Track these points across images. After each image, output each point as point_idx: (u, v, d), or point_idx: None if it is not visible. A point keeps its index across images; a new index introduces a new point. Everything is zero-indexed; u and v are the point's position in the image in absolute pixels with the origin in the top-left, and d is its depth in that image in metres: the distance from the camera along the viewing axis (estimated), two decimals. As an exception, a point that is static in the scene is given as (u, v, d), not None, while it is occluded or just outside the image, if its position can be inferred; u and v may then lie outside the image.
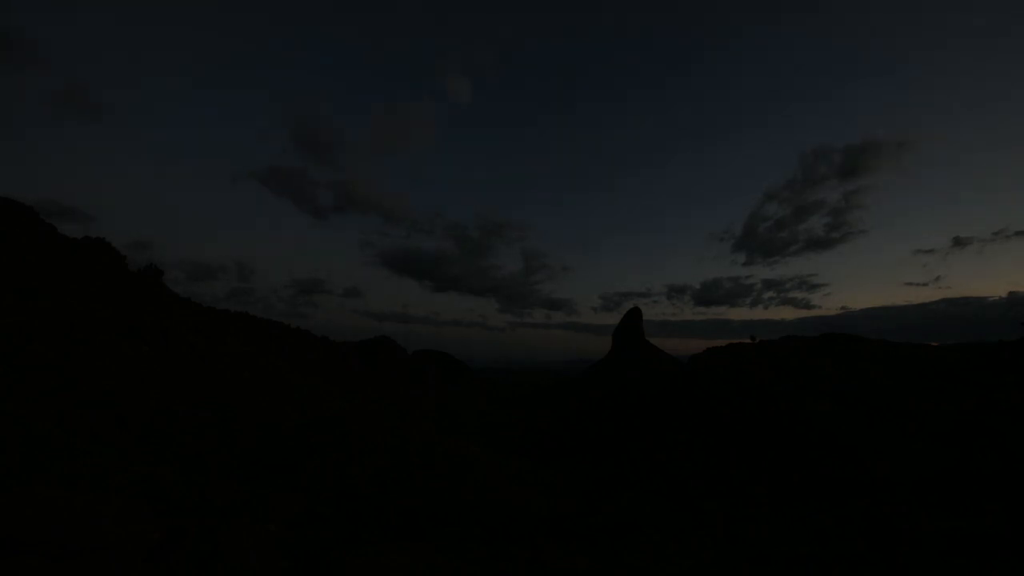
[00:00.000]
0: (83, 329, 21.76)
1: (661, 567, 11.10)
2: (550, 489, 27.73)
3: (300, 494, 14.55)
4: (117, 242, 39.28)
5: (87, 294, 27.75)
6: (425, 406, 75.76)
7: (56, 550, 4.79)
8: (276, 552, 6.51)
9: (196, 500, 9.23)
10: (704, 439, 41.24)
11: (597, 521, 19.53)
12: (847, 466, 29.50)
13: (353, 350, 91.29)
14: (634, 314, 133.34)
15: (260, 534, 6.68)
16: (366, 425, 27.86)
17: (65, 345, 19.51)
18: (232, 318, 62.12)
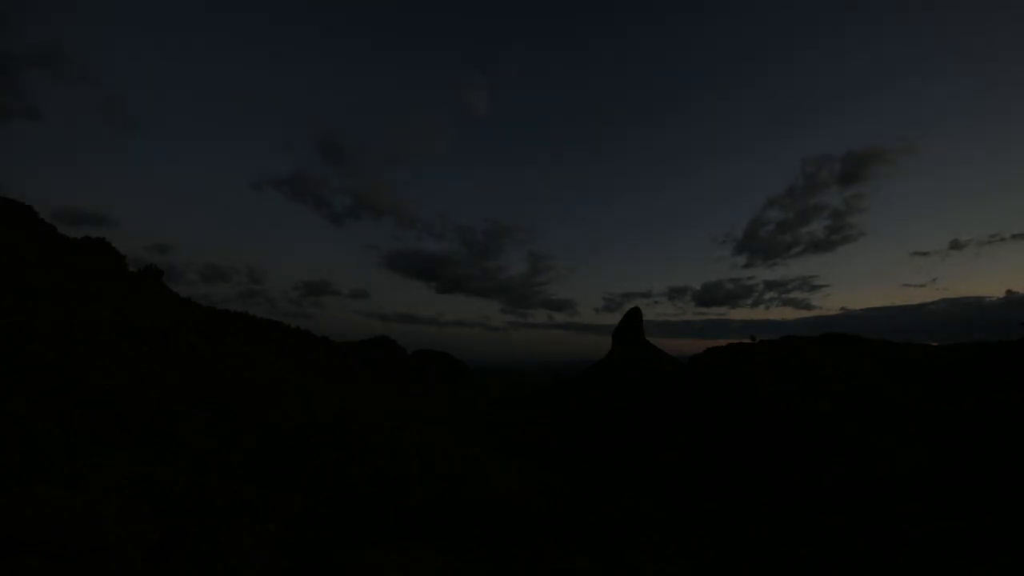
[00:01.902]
0: (83, 329, 21.76)
1: (661, 567, 11.10)
2: (550, 489, 27.72)
3: (300, 494, 14.54)
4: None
5: (87, 294, 27.74)
6: (425, 406, 75.73)
7: (56, 550, 4.78)
8: (276, 552, 6.51)
9: (196, 500, 9.23)
10: (704, 439, 41.22)
11: (597, 521, 19.52)
12: (847, 466, 29.49)
13: (353, 350, 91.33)
14: (634, 314, 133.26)
15: (260, 534, 6.68)
16: (366, 425, 27.84)
17: (65, 345, 19.51)
18: (232, 318, 62.10)
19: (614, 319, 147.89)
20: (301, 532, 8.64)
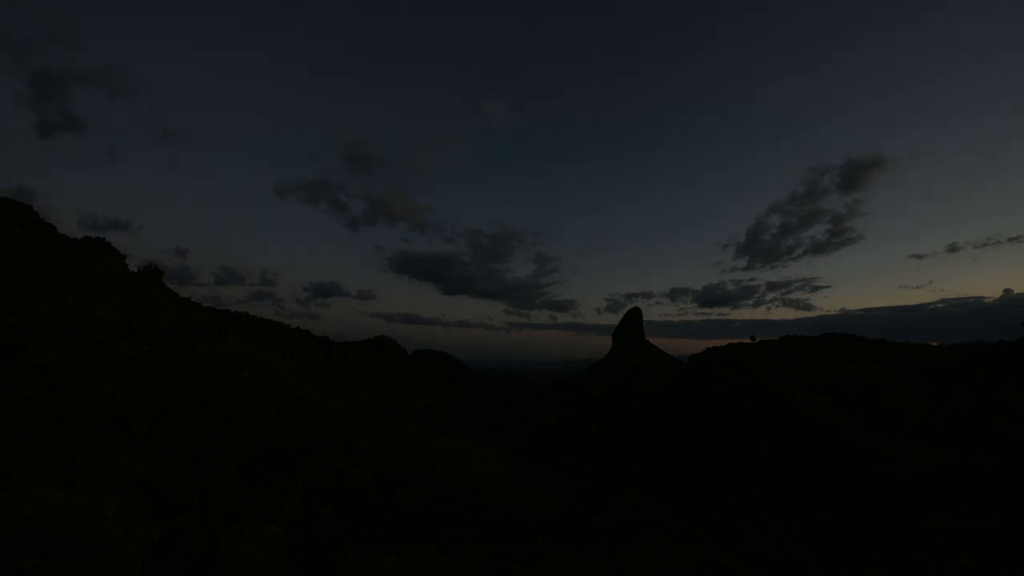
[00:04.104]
0: (83, 329, 21.76)
1: (661, 567, 11.09)
2: (550, 489, 27.73)
3: (300, 494, 14.55)
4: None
5: (87, 294, 27.74)
6: (424, 406, 75.72)
7: (56, 550, 4.78)
8: (276, 552, 6.51)
9: (196, 500, 9.23)
10: (704, 439, 41.23)
11: (597, 521, 19.53)
12: (847, 466, 29.49)
13: (353, 350, 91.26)
14: (634, 314, 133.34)
15: (260, 534, 6.67)
16: (366, 425, 27.85)
17: (65, 345, 19.51)
18: (232, 318, 62.10)
19: (616, 319, 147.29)
20: (301, 532, 8.64)
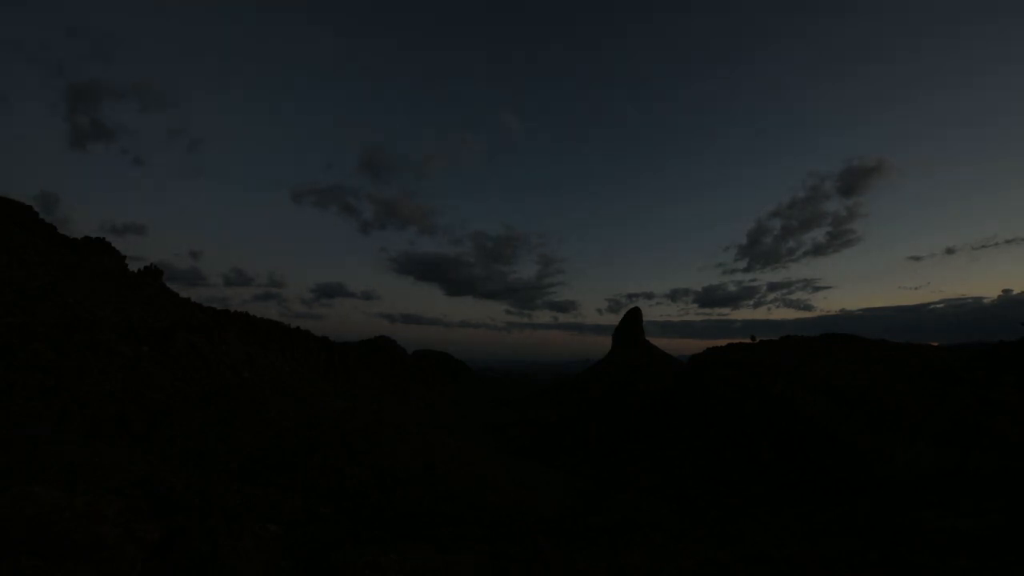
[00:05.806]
0: (83, 329, 21.76)
1: (661, 567, 11.09)
2: (550, 489, 27.75)
3: (300, 494, 14.55)
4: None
5: (87, 294, 27.74)
6: (424, 406, 75.72)
7: (56, 550, 4.79)
8: (276, 552, 6.51)
9: (196, 500, 9.24)
10: (704, 439, 41.22)
11: (597, 521, 19.53)
12: (847, 466, 29.48)
13: (353, 350, 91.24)
14: (634, 314, 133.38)
15: (260, 534, 6.67)
16: (366, 425, 27.85)
17: (65, 345, 19.51)
18: (232, 318, 62.08)
19: (617, 320, 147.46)
20: (301, 532, 8.65)
